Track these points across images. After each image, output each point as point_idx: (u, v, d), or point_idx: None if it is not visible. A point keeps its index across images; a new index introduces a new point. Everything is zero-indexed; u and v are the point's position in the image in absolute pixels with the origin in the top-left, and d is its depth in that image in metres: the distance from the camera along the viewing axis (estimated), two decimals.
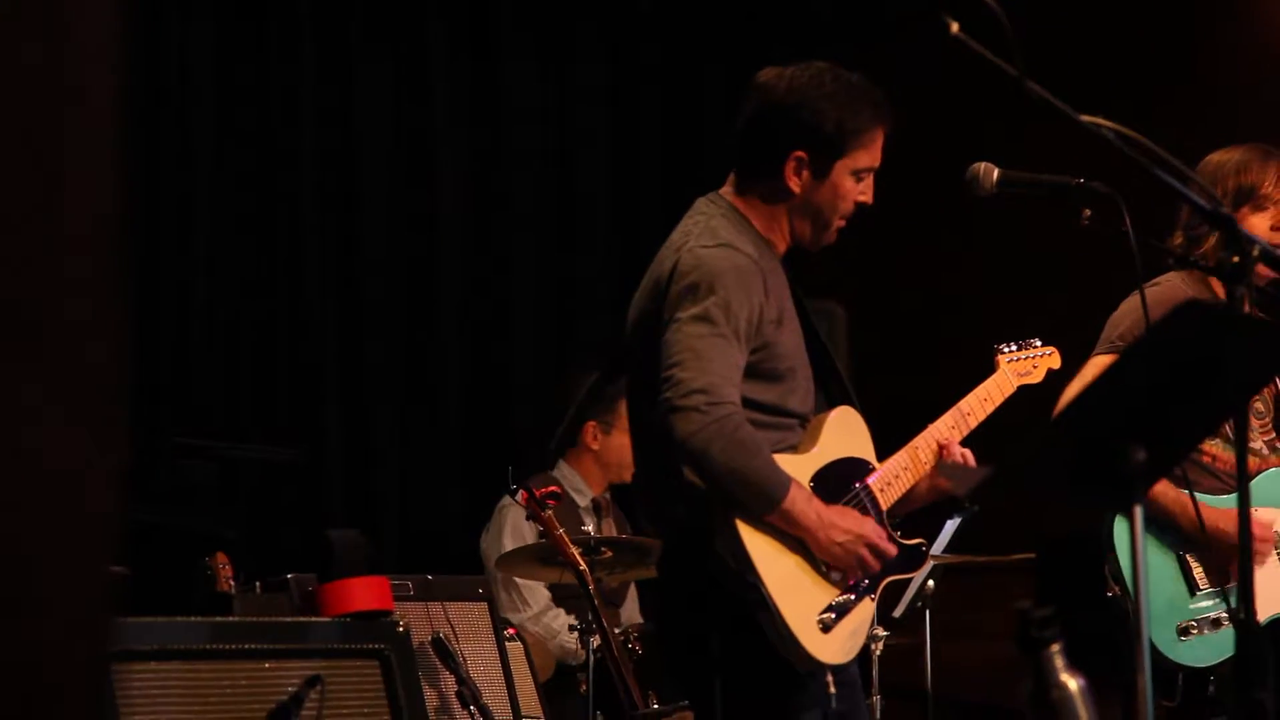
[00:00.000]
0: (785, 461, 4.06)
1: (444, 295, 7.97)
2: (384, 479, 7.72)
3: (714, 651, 4.00)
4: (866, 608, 4.16)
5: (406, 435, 7.78)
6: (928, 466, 4.34)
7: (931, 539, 6.52)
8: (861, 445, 4.28)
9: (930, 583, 6.55)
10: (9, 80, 1.43)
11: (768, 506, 3.96)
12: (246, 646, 4.28)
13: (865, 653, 6.40)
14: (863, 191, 4.23)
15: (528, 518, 5.95)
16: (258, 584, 4.89)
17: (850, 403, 4.31)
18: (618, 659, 5.65)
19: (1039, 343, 4.79)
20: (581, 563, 5.72)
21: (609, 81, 8.58)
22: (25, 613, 1.43)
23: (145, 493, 5.45)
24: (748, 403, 4.03)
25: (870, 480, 4.25)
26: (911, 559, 4.31)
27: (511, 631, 5.71)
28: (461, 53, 8.12)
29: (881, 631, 6.42)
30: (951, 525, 6.50)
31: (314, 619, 4.50)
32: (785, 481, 3.98)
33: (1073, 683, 2.89)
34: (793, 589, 3.99)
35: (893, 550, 4.15)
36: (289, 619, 4.55)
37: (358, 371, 7.68)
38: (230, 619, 4.56)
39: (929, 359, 7.74)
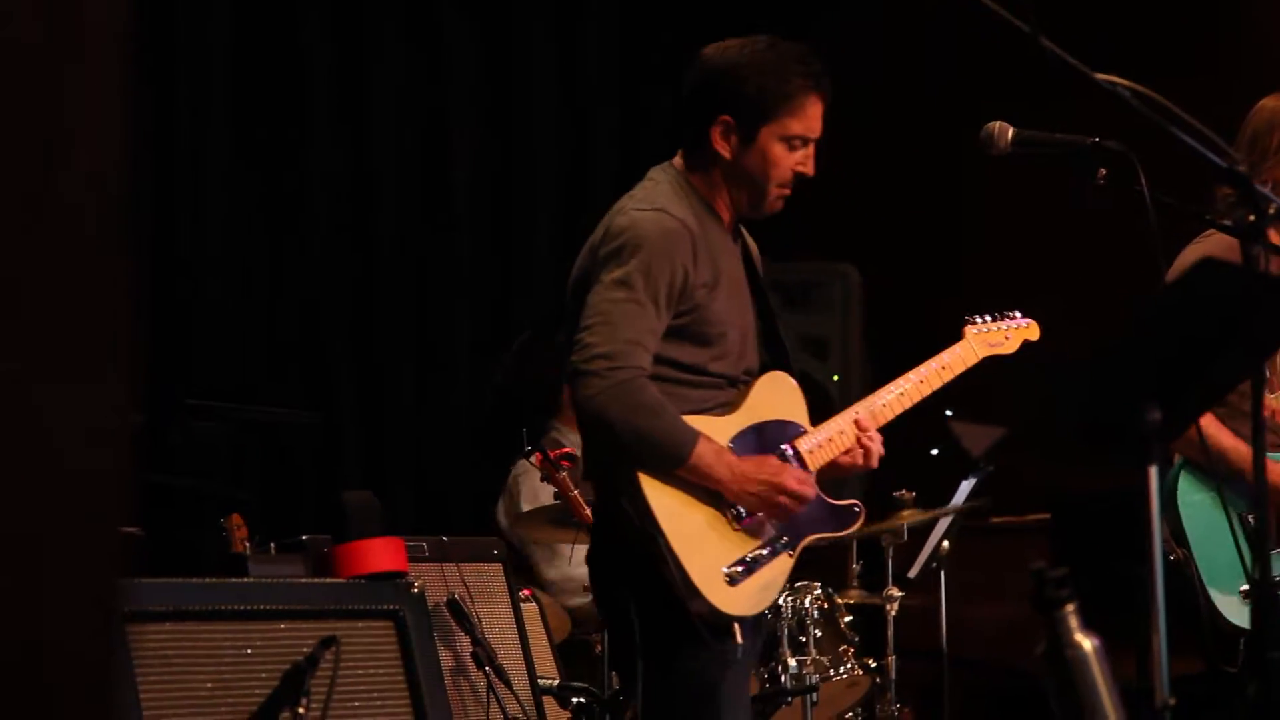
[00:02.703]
0: (707, 424, 4.14)
1: (459, 255, 7.97)
2: (398, 441, 7.72)
3: (631, 611, 4.08)
4: (782, 563, 4.21)
5: (421, 397, 7.79)
6: (851, 439, 4.35)
7: (938, 501, 6.53)
8: (791, 409, 4.33)
9: (945, 543, 6.55)
10: (10, 48, 1.42)
11: (675, 463, 4.05)
12: (261, 607, 4.29)
13: (880, 613, 6.42)
14: (800, 162, 4.26)
15: (542, 479, 5.95)
16: (272, 545, 4.88)
17: (788, 370, 4.37)
18: None
19: (1018, 314, 4.76)
20: None
21: (621, 47, 8.56)
22: (33, 582, 1.43)
23: (160, 455, 5.46)
24: (671, 363, 4.13)
25: (799, 441, 4.29)
26: (843, 519, 4.35)
27: (527, 593, 5.71)
28: (474, 9, 8.11)
29: (896, 592, 6.42)
30: (967, 485, 6.50)
31: (329, 580, 4.50)
32: (691, 438, 4.06)
33: (1087, 643, 2.89)
34: (696, 542, 4.06)
35: (812, 493, 4.18)
36: (304, 580, 4.56)
37: (371, 333, 7.67)
38: (245, 580, 4.56)
39: (946, 324, 7.72)
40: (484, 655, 4.99)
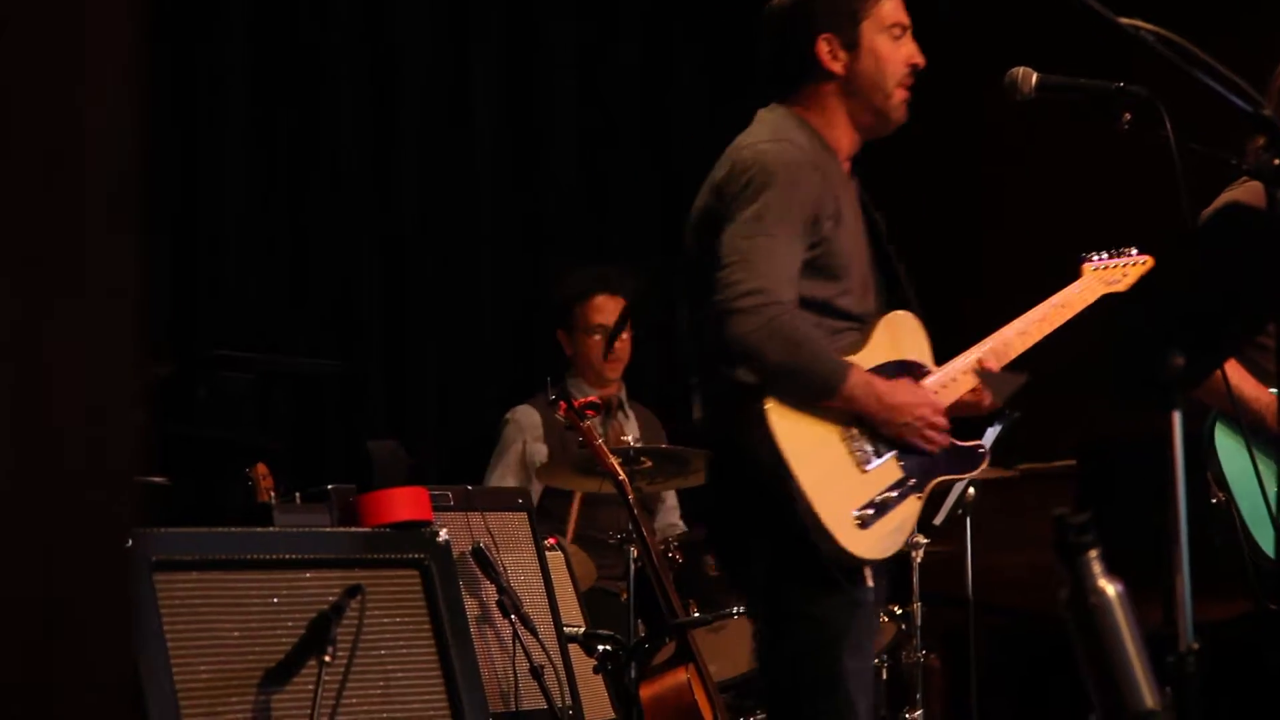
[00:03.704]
0: None
1: (484, 205, 7.97)
2: (424, 390, 7.73)
3: (759, 553, 4.04)
4: (911, 506, 4.19)
5: (446, 346, 7.79)
6: (974, 379, 4.34)
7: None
8: (916, 348, 4.30)
9: (971, 490, 6.54)
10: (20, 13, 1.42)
11: (828, 395, 4.03)
12: (287, 557, 4.29)
13: (906, 560, 6.42)
14: (911, 55, 4.28)
15: (567, 428, 5.97)
16: (297, 495, 4.89)
17: (911, 309, 4.33)
18: (658, 568, 5.67)
19: (1135, 251, 4.73)
20: (621, 472, 5.73)
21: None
22: (46, 545, 1.43)
23: (186, 405, 5.46)
24: (799, 300, 4.08)
25: (924, 382, 4.26)
26: (968, 460, 4.33)
27: (552, 541, 5.72)
28: None
29: (922, 539, 6.41)
30: (992, 433, 6.48)
31: (354, 529, 4.50)
32: (844, 369, 4.05)
33: (1110, 588, 2.88)
34: (827, 485, 4.02)
35: (945, 424, 4.18)
36: (329, 529, 4.56)
37: (398, 282, 7.68)
38: (271, 529, 4.57)
39: (973, 267, 7.71)
40: (509, 603, 4.99)
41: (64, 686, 1.45)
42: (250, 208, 7.33)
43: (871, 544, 4.08)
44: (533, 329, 7.90)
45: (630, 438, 6.44)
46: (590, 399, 6.08)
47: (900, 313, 4.31)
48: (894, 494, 4.13)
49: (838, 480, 4.05)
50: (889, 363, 4.21)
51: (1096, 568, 2.89)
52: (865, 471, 4.10)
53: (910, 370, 4.26)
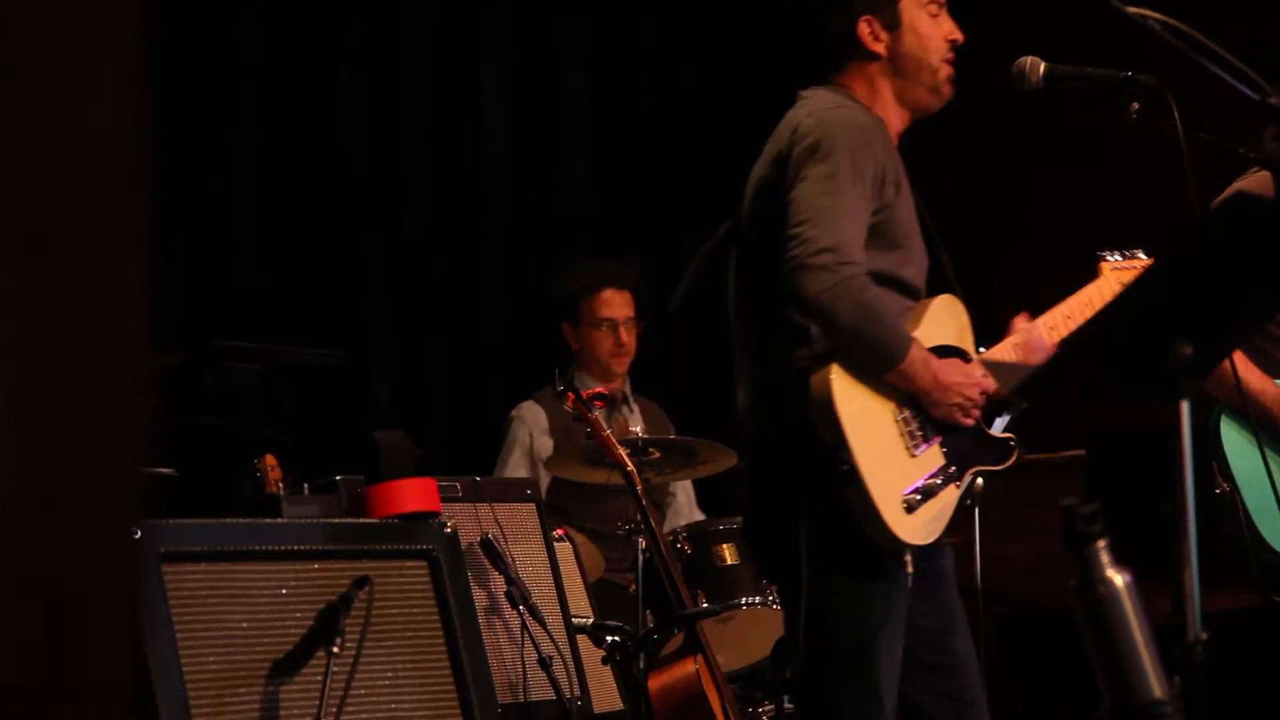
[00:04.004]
0: None
1: (491, 195, 7.97)
2: (432, 381, 7.74)
3: (805, 540, 4.05)
4: (951, 494, 4.19)
5: (454, 337, 7.79)
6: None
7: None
8: (960, 334, 4.30)
9: (979, 481, 6.53)
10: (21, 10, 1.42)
11: (888, 366, 4.02)
12: (295, 548, 4.30)
13: None
14: (950, 30, 4.28)
15: (575, 419, 5.97)
16: (306, 486, 4.90)
17: (953, 291, 4.34)
18: (666, 559, 5.67)
19: (1142, 254, 4.77)
20: (629, 463, 5.73)
21: None
22: (52, 538, 1.43)
23: (194, 396, 5.47)
24: None
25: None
26: (1002, 451, 4.34)
27: (560, 532, 5.73)
28: None
29: None
30: (1001, 422, 6.47)
31: (362, 520, 4.51)
32: (906, 342, 4.04)
33: (1118, 578, 2.88)
34: (882, 467, 4.02)
35: (985, 392, 4.20)
36: (337, 520, 4.57)
37: (404, 273, 7.68)
38: (279, 520, 4.57)
39: (990, 263, 7.69)
40: (518, 594, 5.00)
41: (70, 684, 1.45)
42: (260, 203, 7.33)
43: (916, 529, 4.08)
44: (539, 323, 7.89)
45: (637, 430, 6.44)
46: (598, 390, 6.08)
47: (948, 296, 4.32)
48: (938, 480, 4.14)
49: (890, 462, 4.05)
50: (939, 345, 4.21)
51: (1105, 558, 2.88)
52: (914, 456, 4.11)
53: (956, 355, 4.26)
